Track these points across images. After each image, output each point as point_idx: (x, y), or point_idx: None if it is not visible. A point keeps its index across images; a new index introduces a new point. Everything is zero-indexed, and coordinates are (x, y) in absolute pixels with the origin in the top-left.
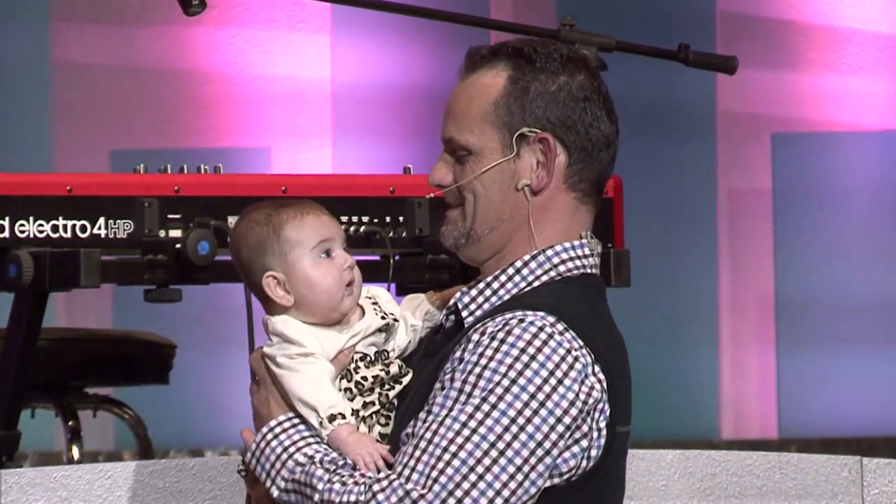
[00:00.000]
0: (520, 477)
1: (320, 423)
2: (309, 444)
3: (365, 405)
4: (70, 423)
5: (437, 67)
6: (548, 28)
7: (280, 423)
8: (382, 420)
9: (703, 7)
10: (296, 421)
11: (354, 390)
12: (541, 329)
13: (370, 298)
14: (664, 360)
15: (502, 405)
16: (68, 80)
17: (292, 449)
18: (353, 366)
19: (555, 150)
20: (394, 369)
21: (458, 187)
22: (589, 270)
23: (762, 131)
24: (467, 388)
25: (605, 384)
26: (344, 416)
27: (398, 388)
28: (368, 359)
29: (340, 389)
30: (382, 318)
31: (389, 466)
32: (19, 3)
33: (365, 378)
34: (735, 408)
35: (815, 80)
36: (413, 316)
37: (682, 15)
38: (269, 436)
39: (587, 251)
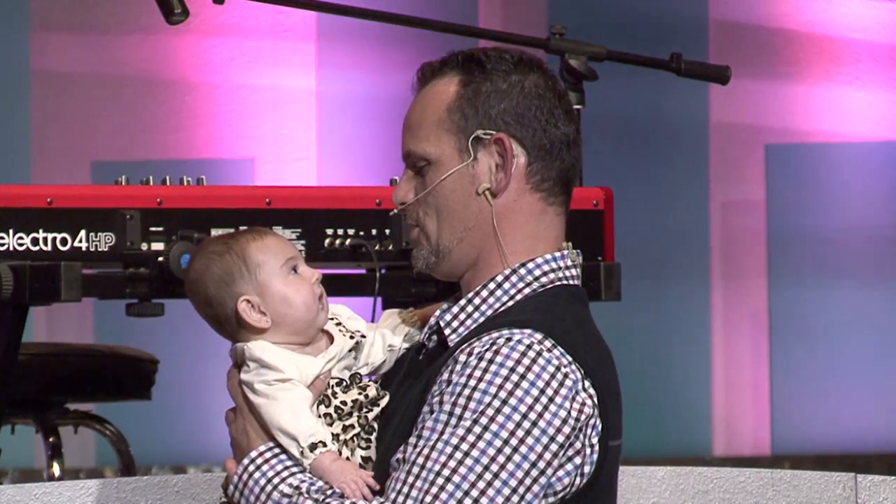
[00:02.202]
0: (515, 499)
1: (301, 453)
2: (293, 474)
3: (345, 429)
4: (51, 439)
5: None
6: (538, 37)
7: (261, 454)
8: (363, 444)
9: (695, 16)
10: (277, 450)
11: (334, 415)
12: (529, 347)
13: (332, 319)
14: (655, 375)
15: (494, 426)
16: (48, 89)
17: (276, 479)
18: (329, 391)
19: (511, 150)
20: (371, 392)
21: (418, 201)
22: (571, 282)
23: (755, 142)
24: (457, 411)
25: (595, 399)
26: (325, 444)
27: (376, 410)
28: (344, 383)
29: (320, 416)
30: (351, 337)
31: (374, 492)
32: None
33: (344, 403)
34: (727, 424)
35: (809, 90)
36: (392, 335)
37: (675, 24)
38: (251, 467)
39: (568, 262)
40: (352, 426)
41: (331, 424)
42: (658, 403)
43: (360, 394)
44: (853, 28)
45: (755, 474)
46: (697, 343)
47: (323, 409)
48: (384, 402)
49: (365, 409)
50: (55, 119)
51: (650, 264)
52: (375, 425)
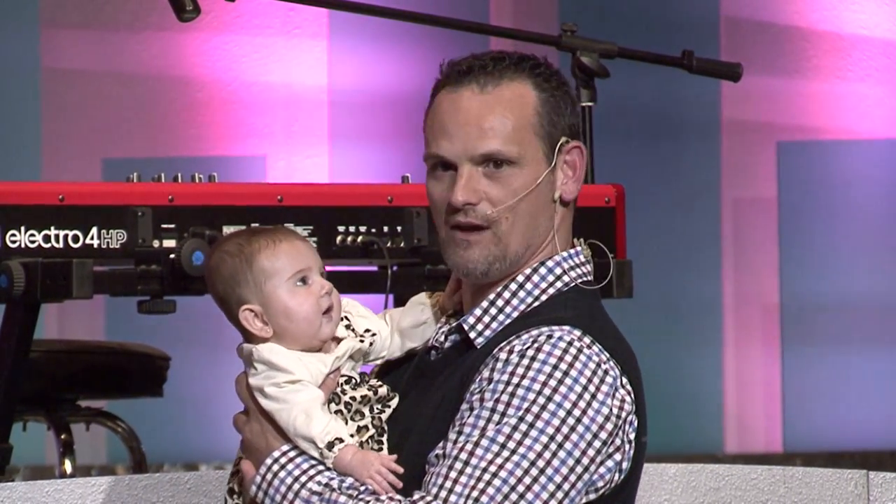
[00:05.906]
0: (560, 495)
1: (321, 454)
2: (321, 472)
3: (359, 430)
4: (62, 436)
5: (435, 74)
6: (549, 34)
7: (285, 453)
8: (376, 446)
9: (706, 13)
10: (300, 449)
11: (345, 411)
12: (570, 344)
13: (342, 318)
14: (667, 372)
15: (539, 423)
16: (59, 86)
17: (304, 478)
18: (339, 389)
19: (585, 157)
20: (382, 391)
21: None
22: (588, 278)
23: (767, 139)
24: (500, 408)
25: (632, 395)
26: (342, 440)
27: (388, 411)
28: (354, 381)
29: (331, 413)
30: (361, 340)
31: (401, 478)
32: (8, 7)
33: (353, 399)
34: (739, 421)
35: (820, 87)
36: (410, 338)
37: (686, 21)
38: (276, 466)
39: (583, 258)
40: (366, 427)
41: (345, 423)
42: (670, 400)
43: (369, 390)
44: (865, 24)
45: (767, 472)
46: (709, 340)
47: (333, 406)
48: (394, 402)
49: (377, 410)
50: (66, 116)
51: (662, 261)
52: (387, 427)
